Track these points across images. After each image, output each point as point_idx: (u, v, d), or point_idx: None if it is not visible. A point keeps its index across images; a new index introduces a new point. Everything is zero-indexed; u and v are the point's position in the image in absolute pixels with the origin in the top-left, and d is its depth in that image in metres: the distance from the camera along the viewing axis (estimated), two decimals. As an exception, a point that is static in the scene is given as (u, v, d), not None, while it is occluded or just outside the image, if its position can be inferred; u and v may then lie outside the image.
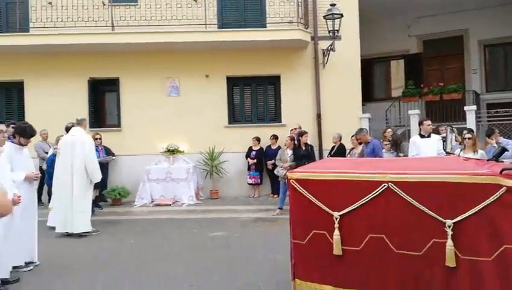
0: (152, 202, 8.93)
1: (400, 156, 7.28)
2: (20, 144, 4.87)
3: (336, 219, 2.91)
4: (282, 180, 7.68)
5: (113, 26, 9.14)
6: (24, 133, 4.86)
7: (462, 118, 9.91)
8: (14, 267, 4.52)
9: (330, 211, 2.94)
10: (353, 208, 2.89)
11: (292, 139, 7.94)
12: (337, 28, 8.87)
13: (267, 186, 9.57)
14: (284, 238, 4.18)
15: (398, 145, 7.64)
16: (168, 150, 9.41)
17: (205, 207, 8.55)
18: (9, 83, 9.87)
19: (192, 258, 5.17)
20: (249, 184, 9.51)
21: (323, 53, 9.62)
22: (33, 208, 4.99)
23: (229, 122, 9.90)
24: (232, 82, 10.00)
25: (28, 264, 4.82)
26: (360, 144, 7.45)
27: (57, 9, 9.17)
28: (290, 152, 7.97)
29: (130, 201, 9.04)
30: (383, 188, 2.78)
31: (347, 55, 9.62)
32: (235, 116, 10.14)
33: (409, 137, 8.80)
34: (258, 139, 9.43)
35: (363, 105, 10.10)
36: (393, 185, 2.75)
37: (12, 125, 5.30)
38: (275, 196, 9.00)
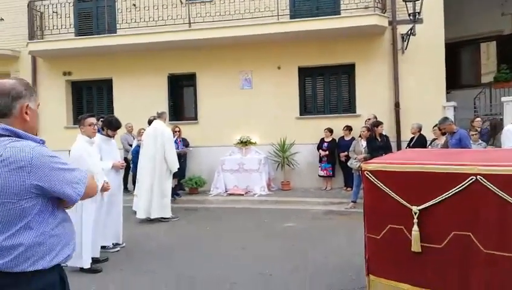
0: (226, 191, 9.21)
1: (489, 147, 6.58)
2: (108, 136, 5.33)
3: (415, 213, 2.71)
4: (356, 173, 7.40)
5: (190, 23, 9.54)
6: (110, 125, 5.30)
7: None
8: (102, 247, 4.97)
9: (408, 205, 2.75)
10: (435, 203, 2.67)
11: (368, 129, 7.61)
12: (418, 10, 8.22)
13: (339, 179, 9.32)
14: (357, 232, 4.04)
15: (495, 132, 6.87)
16: (241, 142, 9.61)
17: (276, 198, 8.60)
18: (100, 81, 10.85)
19: (264, 248, 5.23)
20: (320, 176, 9.34)
21: (403, 38, 9.01)
22: (119, 194, 5.43)
23: (301, 114, 9.79)
24: (304, 73, 9.86)
25: (115, 245, 5.29)
26: (443, 134, 6.87)
27: (140, 10, 9.83)
28: (364, 143, 7.65)
29: (205, 190, 9.44)
30: (470, 182, 2.52)
31: (429, 39, 8.90)
32: (307, 108, 10.00)
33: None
34: (330, 131, 9.20)
35: (447, 93, 9.29)
36: (483, 178, 2.47)
37: (101, 119, 5.82)
38: (348, 189, 8.73)
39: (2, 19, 10.99)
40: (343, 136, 9.10)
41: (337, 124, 9.25)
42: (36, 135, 1.71)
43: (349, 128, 9.04)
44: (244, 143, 9.60)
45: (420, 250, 2.70)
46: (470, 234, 2.55)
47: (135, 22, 9.78)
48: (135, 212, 6.96)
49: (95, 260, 4.62)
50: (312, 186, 9.41)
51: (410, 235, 2.73)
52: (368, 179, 2.95)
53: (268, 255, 4.88)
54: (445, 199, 2.64)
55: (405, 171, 2.82)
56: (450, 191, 2.61)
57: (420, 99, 8.91)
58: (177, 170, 7.12)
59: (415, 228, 2.71)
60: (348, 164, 7.84)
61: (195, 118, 10.28)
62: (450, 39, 9.62)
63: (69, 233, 1.72)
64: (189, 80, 10.37)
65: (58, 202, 1.67)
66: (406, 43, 8.93)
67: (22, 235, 1.54)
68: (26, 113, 1.63)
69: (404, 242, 2.75)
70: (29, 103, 1.65)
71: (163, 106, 9.56)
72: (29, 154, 1.52)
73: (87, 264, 4.45)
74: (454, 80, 11.05)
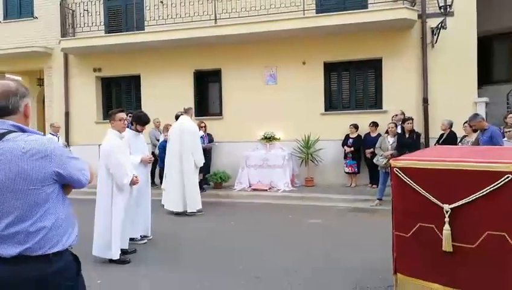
0: (250, 186, 9.25)
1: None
2: (137, 131, 5.45)
3: (447, 212, 2.65)
4: (382, 170, 7.29)
5: (216, 19, 9.60)
6: (140, 120, 5.42)
7: None
8: (131, 239, 5.10)
9: (440, 203, 2.68)
10: (468, 201, 2.60)
11: (396, 125, 7.46)
12: (449, 3, 7.97)
13: (364, 176, 9.18)
14: (383, 230, 3.97)
15: None
16: (265, 137, 9.62)
17: (300, 194, 8.56)
18: (128, 77, 11.09)
19: (289, 244, 5.24)
20: (346, 173, 9.24)
21: (433, 32, 8.74)
22: (147, 188, 5.56)
23: (326, 110, 9.69)
24: (330, 68, 9.74)
25: (142, 238, 5.42)
26: (474, 131, 6.66)
27: (167, 7, 9.97)
28: (391, 140, 7.51)
29: (230, 185, 9.51)
30: (506, 180, 2.43)
31: (461, 33, 8.60)
32: (332, 103, 9.89)
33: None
34: (355, 127, 9.07)
35: (479, 88, 8.97)
36: (520, 177, 2.39)
37: (129, 115, 5.95)
38: (374, 186, 8.60)
39: (36, 17, 11.39)
40: (369, 133, 8.95)
41: (363, 120, 9.11)
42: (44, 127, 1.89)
43: (375, 125, 8.88)
44: (269, 139, 9.60)
45: (451, 250, 2.63)
46: (504, 234, 2.47)
47: (162, 18, 9.93)
48: (163, 206, 7.10)
49: (123, 251, 4.75)
50: (336, 182, 9.32)
51: (441, 234, 2.67)
52: (397, 176, 2.89)
53: (292, 251, 4.89)
54: (479, 197, 2.56)
55: (436, 168, 2.76)
56: (484, 189, 2.53)
57: (450, 95, 8.65)
58: (202, 165, 7.21)
59: (447, 227, 2.65)
60: (374, 160, 7.70)
61: (220, 114, 10.36)
62: (482, 32, 9.27)
63: (74, 216, 1.89)
64: (215, 75, 10.44)
65: (64, 189, 1.83)
66: (436, 37, 8.67)
67: (45, 219, 1.69)
68: (27, 110, 1.80)
69: (434, 241, 2.69)
70: (29, 101, 1.83)
71: (189, 102, 9.67)
72: (49, 146, 1.70)
73: (116, 256, 4.58)
74: (487, 75, 10.66)
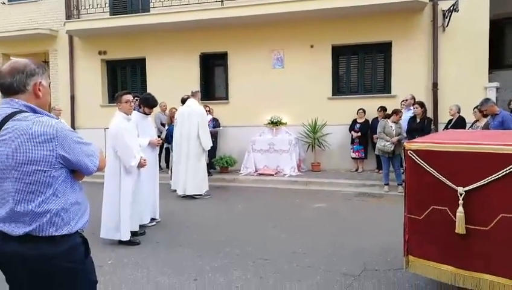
0: (256, 171, 9.24)
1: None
2: (145, 113, 5.42)
3: (461, 194, 2.62)
4: (385, 155, 7.25)
5: (222, 1, 9.44)
6: (147, 103, 5.39)
7: None
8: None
9: (454, 186, 2.65)
10: (482, 184, 2.56)
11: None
12: (461, -15, 7.79)
13: (371, 161, 9.12)
14: (391, 214, 3.98)
15: None
16: (272, 122, 9.56)
17: (307, 179, 8.55)
18: (134, 60, 11.00)
19: (296, 227, 5.25)
20: (352, 158, 9.19)
21: (444, 15, 8.55)
22: (155, 171, 5.56)
23: (333, 94, 9.59)
24: (338, 51, 9.59)
25: (151, 220, 5.45)
26: (484, 116, 6.58)
27: (173, -12, 9.81)
28: (393, 125, 7.41)
29: (236, 169, 9.51)
30: (523, 163, 2.39)
31: (473, 16, 8.42)
32: (340, 88, 9.78)
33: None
34: (364, 111, 8.99)
35: (490, 73, 8.82)
36: (537, 160, 2.34)
37: (136, 98, 5.92)
38: (380, 171, 8.55)
39: (41, -1, 11.27)
40: (377, 117, 8.86)
41: (371, 104, 9.01)
42: (49, 110, 1.82)
43: (383, 109, 8.78)
44: (275, 123, 9.54)
45: (465, 232, 2.62)
46: (519, 217, 2.44)
47: (168, 0, 9.78)
48: (170, 189, 7.12)
49: (132, 233, 4.78)
50: (343, 168, 9.29)
51: (455, 217, 2.65)
52: (411, 158, 2.86)
53: (300, 235, 4.90)
54: (494, 180, 2.53)
55: (450, 151, 2.72)
56: (499, 172, 2.50)
57: (460, 80, 8.52)
58: (209, 149, 7.20)
59: (460, 209, 2.62)
60: (379, 145, 7.47)
61: (226, 98, 10.29)
62: (495, 16, 9.06)
63: (86, 202, 1.87)
64: (221, 59, 10.33)
65: (74, 174, 1.80)
66: (447, 19, 8.49)
67: (51, 202, 1.69)
68: (39, 89, 1.75)
69: (447, 223, 2.67)
70: (42, 80, 1.77)
71: (195, 85, 9.58)
72: (56, 129, 1.67)
73: (126, 237, 4.61)
74: (498, 60, 10.45)
